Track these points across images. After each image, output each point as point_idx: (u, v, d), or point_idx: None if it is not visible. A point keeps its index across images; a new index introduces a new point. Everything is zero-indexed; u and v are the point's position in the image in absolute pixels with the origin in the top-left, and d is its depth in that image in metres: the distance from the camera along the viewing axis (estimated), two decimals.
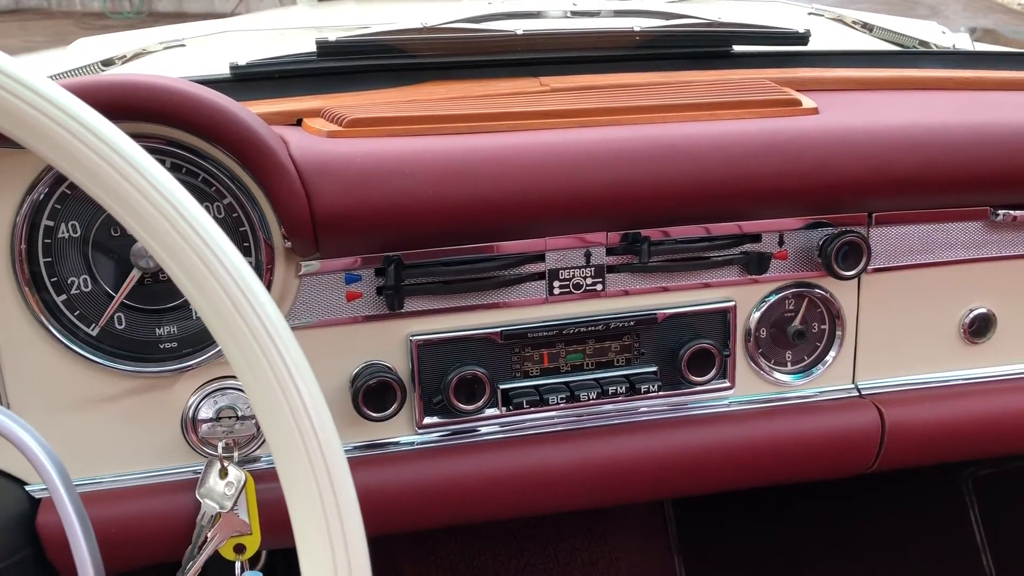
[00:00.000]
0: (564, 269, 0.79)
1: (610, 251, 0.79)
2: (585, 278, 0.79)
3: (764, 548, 1.65)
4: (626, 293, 0.80)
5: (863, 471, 0.86)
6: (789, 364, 0.85)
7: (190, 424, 0.74)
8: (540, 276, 0.78)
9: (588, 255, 0.79)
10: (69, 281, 0.71)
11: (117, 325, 0.72)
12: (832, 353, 0.85)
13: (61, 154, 0.40)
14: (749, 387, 0.85)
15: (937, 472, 1.66)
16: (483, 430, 0.80)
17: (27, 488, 0.73)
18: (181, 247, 0.41)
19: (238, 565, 0.74)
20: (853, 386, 0.86)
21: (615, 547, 1.22)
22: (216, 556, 0.73)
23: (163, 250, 0.42)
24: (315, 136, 0.76)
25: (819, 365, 0.85)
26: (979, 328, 0.88)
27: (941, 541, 1.63)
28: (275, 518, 0.74)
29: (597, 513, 1.27)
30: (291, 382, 0.46)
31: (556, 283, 0.79)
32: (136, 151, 0.40)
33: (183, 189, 0.41)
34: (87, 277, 0.71)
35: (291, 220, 0.69)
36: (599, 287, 0.79)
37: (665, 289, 0.81)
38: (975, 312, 0.87)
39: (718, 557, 1.62)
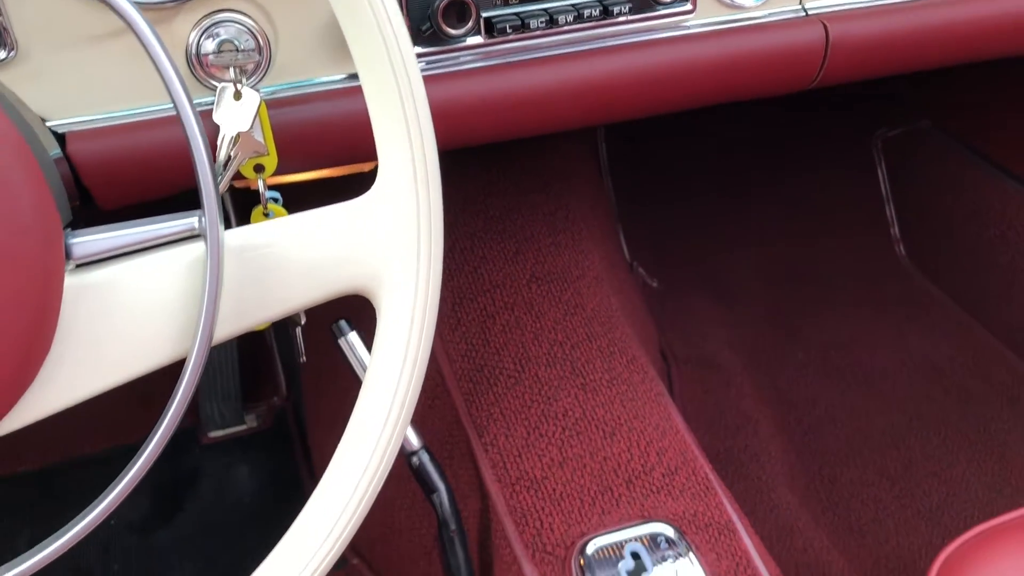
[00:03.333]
0: None
1: None
2: None
3: (690, 208, 1.81)
4: None
5: (807, 86, 0.96)
6: None
7: (195, 59, 0.78)
8: None
9: None
10: None
11: None
12: None
13: None
14: (708, 12, 0.91)
15: (851, 134, 1.81)
16: (466, 58, 0.86)
17: (48, 124, 0.76)
18: None
19: (260, 183, 0.81)
20: (800, 7, 0.94)
21: (570, 203, 1.33)
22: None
23: None
24: None
25: None
26: None
27: (852, 193, 1.81)
28: (287, 142, 0.80)
29: (553, 177, 1.37)
30: None
31: None
32: None
33: None
34: None
35: None
36: None
37: None
38: None
39: (650, 222, 1.77)
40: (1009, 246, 1.52)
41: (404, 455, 0.97)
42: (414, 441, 0.97)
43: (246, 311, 0.52)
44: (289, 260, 0.53)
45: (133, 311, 0.51)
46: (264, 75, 0.80)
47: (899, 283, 1.72)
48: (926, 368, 1.57)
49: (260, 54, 0.79)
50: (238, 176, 0.79)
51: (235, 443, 1.50)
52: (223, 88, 0.77)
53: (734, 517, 0.99)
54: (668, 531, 0.94)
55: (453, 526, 1.01)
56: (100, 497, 0.53)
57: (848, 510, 1.36)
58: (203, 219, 0.52)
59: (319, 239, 0.53)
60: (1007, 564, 0.82)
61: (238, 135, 0.77)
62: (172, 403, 0.51)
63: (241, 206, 0.87)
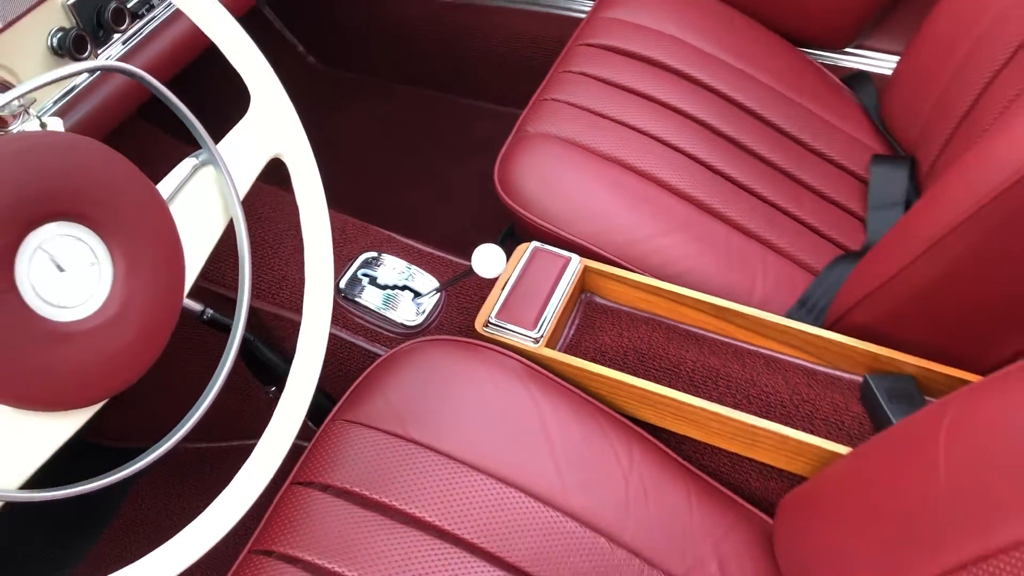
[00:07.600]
0: None
1: None
2: None
3: None
4: None
5: None
6: None
7: None
8: None
9: None
10: None
11: None
12: None
13: None
14: None
15: None
16: None
17: None
18: None
19: None
20: None
21: None
22: None
23: None
24: None
25: None
26: None
27: None
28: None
29: None
30: None
31: None
32: None
33: None
34: None
35: None
36: None
37: None
38: None
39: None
40: None
41: (195, 316, 1.20)
42: (196, 306, 1.22)
43: (242, 178, 0.86)
44: (245, 146, 0.87)
45: (194, 215, 0.83)
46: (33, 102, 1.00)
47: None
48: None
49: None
50: None
51: None
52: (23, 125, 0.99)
53: None
54: None
55: (251, 336, 1.40)
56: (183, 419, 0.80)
57: (403, 208, 1.94)
58: (200, 154, 0.84)
59: (256, 133, 0.89)
60: (529, 157, 1.30)
61: None
62: (242, 281, 0.92)
63: None
